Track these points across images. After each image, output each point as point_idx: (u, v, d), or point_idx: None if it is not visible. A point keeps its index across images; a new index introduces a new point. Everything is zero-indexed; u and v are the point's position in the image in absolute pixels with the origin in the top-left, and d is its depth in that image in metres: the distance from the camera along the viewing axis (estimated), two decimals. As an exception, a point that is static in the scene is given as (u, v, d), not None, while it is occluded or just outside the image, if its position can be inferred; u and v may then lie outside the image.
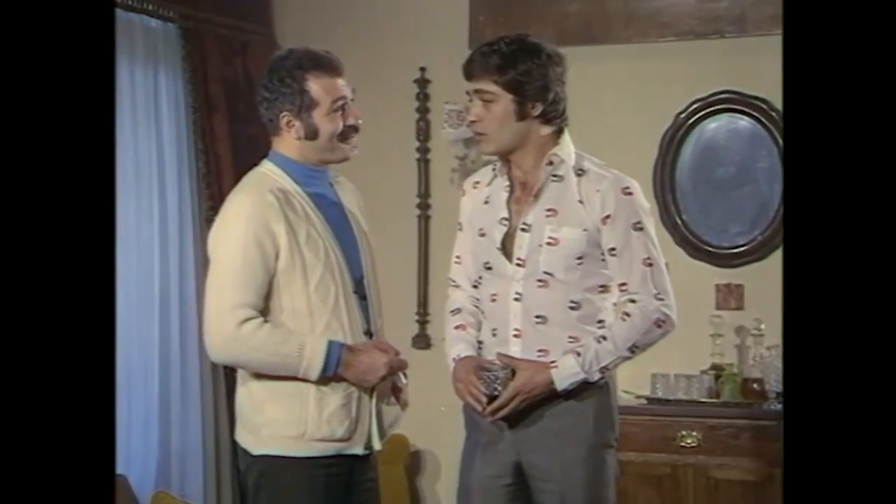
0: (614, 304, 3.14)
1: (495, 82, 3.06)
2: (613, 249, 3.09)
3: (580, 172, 3.12)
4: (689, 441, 4.79)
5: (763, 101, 5.06)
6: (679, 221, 5.23)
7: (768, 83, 4.68)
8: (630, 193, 3.11)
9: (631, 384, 5.09)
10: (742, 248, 5.15)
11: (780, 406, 4.75)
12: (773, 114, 5.04)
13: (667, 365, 5.01)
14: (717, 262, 5.18)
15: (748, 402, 4.85)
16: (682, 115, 5.21)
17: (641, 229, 3.10)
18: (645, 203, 3.15)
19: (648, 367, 5.02)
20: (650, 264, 3.10)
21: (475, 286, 3.21)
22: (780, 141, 5.02)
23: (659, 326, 3.10)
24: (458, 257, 3.27)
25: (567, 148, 3.16)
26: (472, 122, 3.12)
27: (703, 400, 4.89)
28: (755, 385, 4.89)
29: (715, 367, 4.99)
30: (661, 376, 4.98)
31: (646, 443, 4.84)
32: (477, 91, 3.08)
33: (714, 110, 5.18)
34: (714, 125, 5.21)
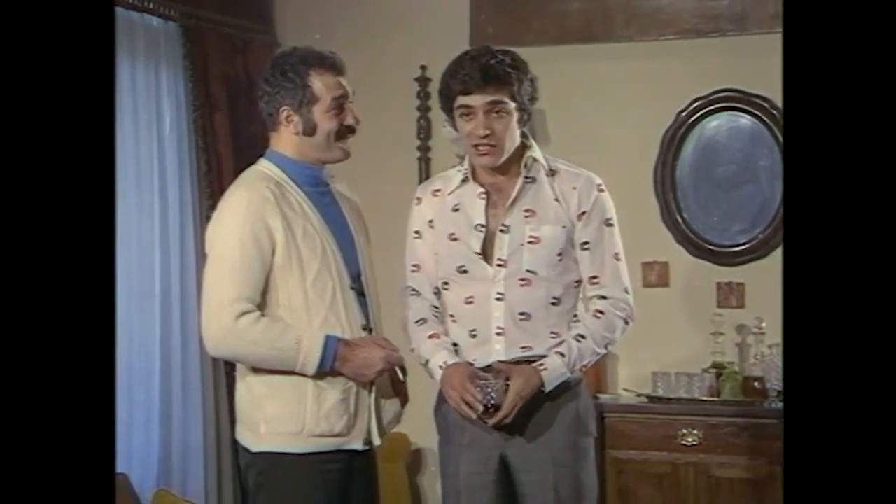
0: (582, 299, 3.23)
1: (510, 93, 3.10)
2: (586, 244, 3.18)
3: (551, 173, 3.21)
4: (689, 439, 4.80)
5: (764, 99, 5.06)
6: (680, 220, 5.23)
7: (769, 81, 4.67)
8: (603, 190, 3.22)
9: (632, 382, 5.11)
10: (743, 247, 5.15)
11: (780, 404, 4.75)
12: (775, 112, 5.04)
13: (667, 363, 5.03)
14: (718, 260, 5.18)
15: (749, 401, 4.85)
16: (683, 114, 5.21)
17: (612, 225, 3.22)
18: (611, 201, 3.24)
19: (649, 365, 5.03)
20: (619, 259, 3.22)
21: (436, 292, 3.25)
22: (781, 139, 5.01)
23: (626, 322, 3.22)
24: (415, 265, 3.29)
25: (538, 150, 3.24)
26: (486, 134, 3.10)
27: (704, 398, 4.89)
28: (756, 383, 4.89)
29: (716, 365, 4.99)
30: (661, 375, 4.99)
31: (646, 441, 4.85)
32: (491, 103, 3.09)
33: (715, 108, 5.18)
34: (715, 123, 5.21)
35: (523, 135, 3.21)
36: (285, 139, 3.10)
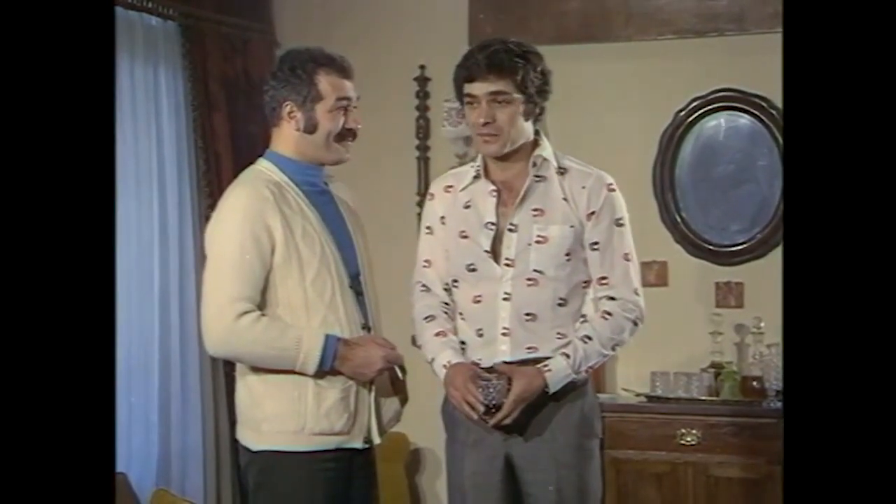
0: (591, 299, 3.20)
1: (514, 83, 3.08)
2: (595, 244, 3.16)
3: (561, 171, 3.19)
4: (688, 439, 4.80)
5: (763, 98, 5.06)
6: (679, 219, 5.23)
7: (768, 81, 4.68)
8: (613, 190, 3.19)
9: (630, 382, 5.11)
10: (742, 246, 5.15)
11: (779, 404, 4.75)
12: (773, 112, 5.04)
13: (666, 363, 5.03)
14: (717, 260, 5.18)
15: (748, 401, 4.85)
16: (682, 113, 5.21)
17: (623, 225, 3.19)
18: (623, 200, 3.21)
19: (648, 365, 5.03)
20: (629, 259, 3.19)
21: (447, 289, 3.24)
22: (780, 139, 5.02)
23: (635, 324, 3.19)
24: (426, 261, 3.28)
25: (548, 148, 3.23)
26: (486, 123, 3.11)
27: (703, 398, 4.89)
28: (755, 383, 4.89)
29: (714, 365, 4.99)
30: (660, 374, 4.99)
31: (645, 441, 4.85)
32: (493, 93, 3.09)
33: (714, 108, 5.18)
34: (714, 123, 5.21)
35: (536, 132, 3.21)
36: (286, 135, 3.11)
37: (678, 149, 5.23)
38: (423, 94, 5.55)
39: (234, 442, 3.19)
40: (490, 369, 3.12)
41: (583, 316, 3.18)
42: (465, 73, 3.12)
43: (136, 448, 4.80)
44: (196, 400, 5.03)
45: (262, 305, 2.99)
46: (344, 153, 3.14)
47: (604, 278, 3.17)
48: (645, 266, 5.08)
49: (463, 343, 3.18)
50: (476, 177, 3.22)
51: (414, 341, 3.29)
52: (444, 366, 3.14)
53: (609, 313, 3.15)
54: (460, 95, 3.17)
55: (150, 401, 4.88)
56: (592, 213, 3.15)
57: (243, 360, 3.07)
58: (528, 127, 3.17)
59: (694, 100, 5.18)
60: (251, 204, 3.00)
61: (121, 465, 4.49)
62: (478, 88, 3.10)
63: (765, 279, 4.91)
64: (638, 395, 5.04)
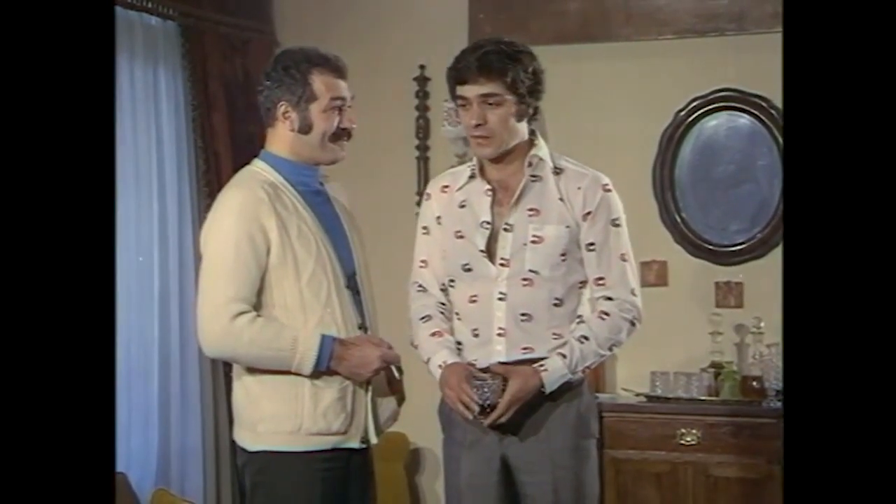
0: (588, 300, 3.19)
1: (504, 84, 3.08)
2: (592, 245, 3.15)
3: (557, 171, 3.19)
4: (688, 439, 4.80)
5: (763, 98, 5.07)
6: (679, 219, 5.23)
7: (768, 81, 4.68)
8: (609, 190, 3.19)
9: (630, 382, 5.11)
10: (741, 246, 5.16)
11: (779, 404, 4.76)
12: (773, 112, 5.04)
13: (666, 363, 5.03)
14: (717, 259, 5.19)
15: (747, 400, 4.86)
16: (682, 113, 5.21)
17: (619, 225, 3.18)
18: (619, 200, 3.20)
19: (648, 364, 5.03)
20: (626, 260, 3.18)
21: (443, 289, 3.24)
22: (780, 139, 5.02)
23: (633, 324, 3.18)
24: (423, 261, 3.28)
25: (544, 148, 3.22)
26: (478, 125, 3.11)
27: (703, 398, 4.90)
28: (754, 383, 4.89)
29: (714, 364, 5.00)
30: (660, 374, 4.99)
31: (645, 441, 4.85)
32: (484, 95, 3.09)
33: (713, 108, 5.18)
34: (714, 123, 5.21)
35: (532, 132, 3.21)
36: (280, 135, 3.11)
37: (678, 149, 5.24)
38: (422, 94, 5.55)
39: (233, 442, 3.19)
40: (486, 370, 3.12)
41: (579, 316, 3.17)
42: (457, 75, 3.12)
43: (135, 448, 4.80)
44: (196, 400, 5.03)
45: (258, 306, 2.99)
46: (339, 153, 3.14)
47: (601, 279, 3.17)
48: (645, 266, 5.12)
49: (459, 343, 3.18)
50: (472, 176, 3.23)
51: (412, 341, 3.29)
52: (440, 366, 3.13)
53: (606, 313, 3.15)
54: (454, 97, 3.17)
55: (149, 401, 4.88)
56: (588, 213, 3.15)
57: (239, 361, 3.06)
58: (522, 127, 3.17)
59: (694, 100, 5.19)
60: (246, 205, 3.00)
61: (121, 465, 4.49)
62: (469, 91, 3.10)
63: (765, 279, 4.91)
64: (638, 394, 5.04)
